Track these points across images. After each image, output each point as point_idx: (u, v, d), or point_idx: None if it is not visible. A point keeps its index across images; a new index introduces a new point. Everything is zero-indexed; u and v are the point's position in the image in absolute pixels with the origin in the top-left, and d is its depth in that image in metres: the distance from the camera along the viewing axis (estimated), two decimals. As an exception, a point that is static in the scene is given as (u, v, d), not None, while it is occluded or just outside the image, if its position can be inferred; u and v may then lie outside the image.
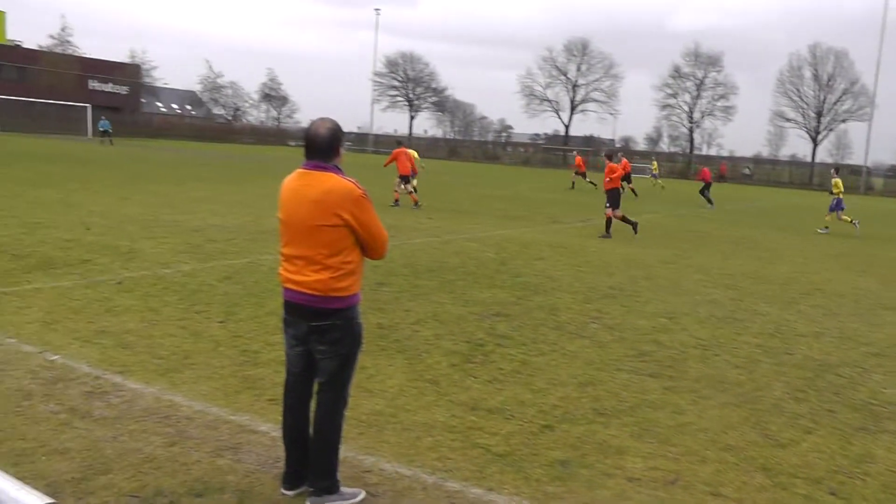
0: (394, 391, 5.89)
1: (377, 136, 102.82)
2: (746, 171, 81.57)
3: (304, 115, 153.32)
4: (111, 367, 6.06)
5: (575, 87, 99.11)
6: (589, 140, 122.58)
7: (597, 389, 6.24)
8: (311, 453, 4.13)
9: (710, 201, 30.76)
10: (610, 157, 18.38)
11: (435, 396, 5.83)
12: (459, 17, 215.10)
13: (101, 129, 58.95)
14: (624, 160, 29.02)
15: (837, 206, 23.17)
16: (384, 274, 10.65)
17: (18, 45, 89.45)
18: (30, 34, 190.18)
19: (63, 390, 5.48)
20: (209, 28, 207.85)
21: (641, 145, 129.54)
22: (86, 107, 70.70)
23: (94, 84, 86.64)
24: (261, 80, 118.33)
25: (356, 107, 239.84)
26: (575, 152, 49.62)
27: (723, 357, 7.52)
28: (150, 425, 4.95)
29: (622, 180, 20.40)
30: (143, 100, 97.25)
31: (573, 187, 37.34)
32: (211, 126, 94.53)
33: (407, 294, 9.47)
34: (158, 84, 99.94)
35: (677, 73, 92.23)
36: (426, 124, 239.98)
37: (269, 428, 4.95)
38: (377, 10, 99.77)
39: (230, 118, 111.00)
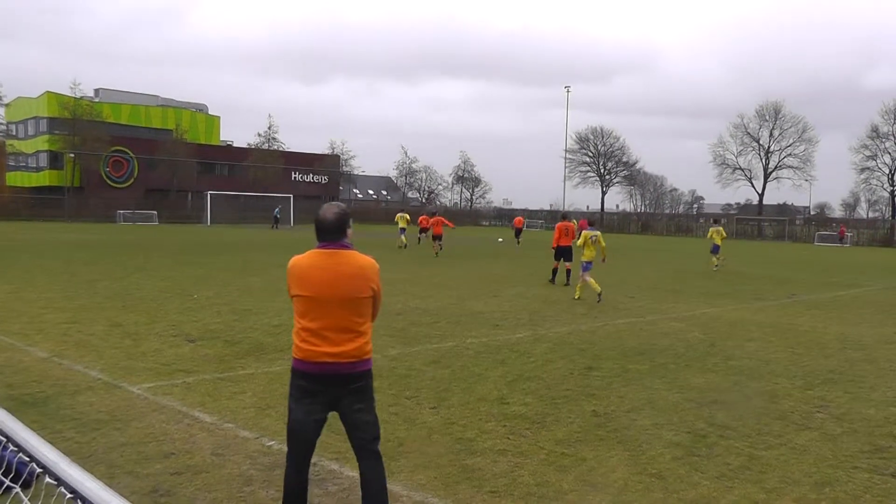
0: (618, 486, 5.61)
1: (569, 212, 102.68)
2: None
3: (497, 194, 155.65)
4: (326, 453, 6.11)
5: (768, 153, 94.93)
6: (783, 208, 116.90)
7: (835, 491, 5.66)
8: (372, 501, 4.44)
9: None
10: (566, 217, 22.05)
11: (663, 493, 5.49)
12: (650, 89, 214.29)
13: (276, 216, 64.22)
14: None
15: None
16: (592, 357, 10.41)
17: (230, 145, 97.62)
18: (241, 133, 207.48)
19: (281, 477, 5.57)
20: (404, 116, 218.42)
21: (837, 211, 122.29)
22: (288, 197, 75.41)
23: (296, 175, 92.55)
24: (454, 163, 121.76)
25: (548, 184, 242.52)
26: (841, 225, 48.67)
27: (983, 453, 6.69)
28: (375, 517, 4.93)
29: None
30: (341, 187, 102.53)
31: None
32: (405, 209, 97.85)
33: (619, 379, 9.16)
34: (356, 172, 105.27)
35: (875, 133, 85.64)
36: (617, 198, 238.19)
37: (494, 524, 4.81)
38: (567, 87, 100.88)
39: (424, 200, 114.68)
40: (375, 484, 4.48)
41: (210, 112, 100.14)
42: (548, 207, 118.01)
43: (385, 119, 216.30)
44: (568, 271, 21.29)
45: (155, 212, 70.68)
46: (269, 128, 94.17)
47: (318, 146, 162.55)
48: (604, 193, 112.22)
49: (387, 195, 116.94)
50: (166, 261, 25.47)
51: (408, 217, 37.90)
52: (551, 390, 8.46)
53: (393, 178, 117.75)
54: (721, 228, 29.87)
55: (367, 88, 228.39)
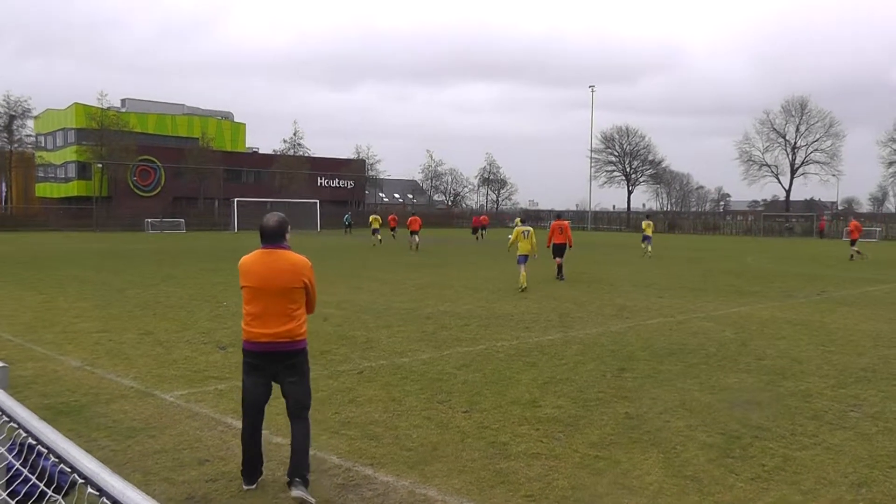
0: (654, 489, 5.57)
1: (596, 212, 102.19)
2: None
3: (523, 195, 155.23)
4: (361, 458, 6.15)
5: (794, 149, 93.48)
6: (810, 204, 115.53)
7: (872, 491, 5.57)
8: (297, 455, 5.34)
9: None
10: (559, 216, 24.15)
11: (698, 496, 5.44)
12: (675, 87, 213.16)
13: (346, 222, 65.03)
14: (854, 222, 36.66)
15: None
16: (624, 359, 10.36)
17: (255, 152, 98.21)
18: (266, 140, 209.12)
19: (317, 481, 5.59)
20: (430, 119, 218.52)
21: (865, 206, 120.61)
22: (315, 202, 75.76)
23: (322, 180, 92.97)
24: (480, 165, 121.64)
25: (574, 184, 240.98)
26: (851, 217, 49.62)
27: None
28: (411, 522, 4.94)
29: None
30: (367, 191, 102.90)
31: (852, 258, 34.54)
32: (431, 212, 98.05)
33: (651, 380, 9.10)
34: (382, 176, 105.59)
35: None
36: (643, 197, 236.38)
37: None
38: (592, 87, 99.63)
39: (450, 203, 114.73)
40: (300, 441, 5.38)
41: (236, 119, 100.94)
42: (574, 207, 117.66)
43: (411, 122, 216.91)
44: (559, 266, 22.50)
45: (182, 220, 71.26)
46: (295, 134, 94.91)
47: (343, 151, 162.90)
48: (630, 192, 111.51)
49: (412, 198, 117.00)
50: (195, 268, 25.70)
51: (380, 219, 44.58)
52: (583, 392, 8.43)
53: (419, 182, 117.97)
54: (651, 223, 37.40)
55: (396, 92, 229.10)
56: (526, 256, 19.72)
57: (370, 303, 16.32)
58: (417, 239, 38.46)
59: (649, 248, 35.08)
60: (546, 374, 9.36)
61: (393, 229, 50.17)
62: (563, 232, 22.71)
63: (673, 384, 8.91)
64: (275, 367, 5.42)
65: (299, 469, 5.32)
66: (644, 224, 36.80)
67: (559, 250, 22.56)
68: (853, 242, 35.04)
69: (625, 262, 31.10)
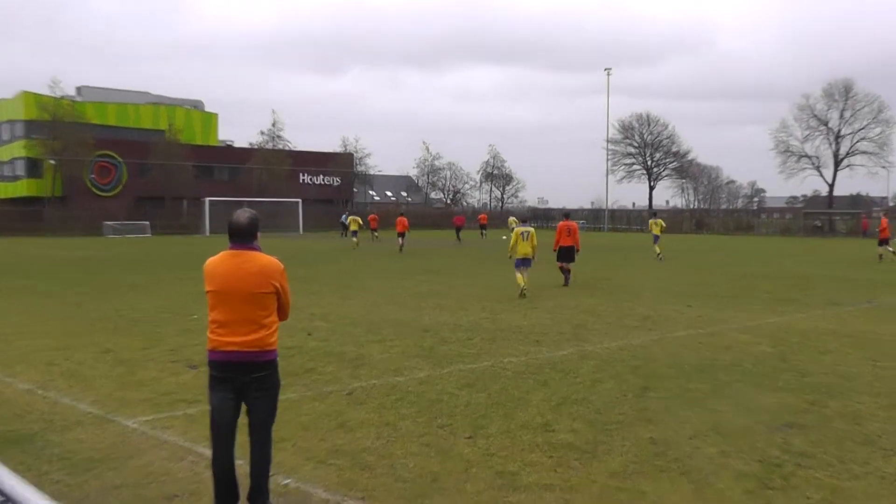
0: (683, 525, 5.55)
1: (613, 211, 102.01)
2: None
3: (531, 192, 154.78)
4: (351, 491, 6.13)
5: (838, 138, 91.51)
6: (856, 200, 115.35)
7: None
8: (254, 479, 5.52)
9: None
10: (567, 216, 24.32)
11: (734, 532, 5.43)
12: (702, 69, 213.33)
13: (343, 222, 64.32)
14: (884, 219, 37.30)
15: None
16: (647, 376, 10.35)
17: (229, 145, 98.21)
18: (242, 132, 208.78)
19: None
20: (427, 107, 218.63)
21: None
22: (297, 202, 75.81)
23: (305, 177, 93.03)
24: (482, 159, 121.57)
25: (589, 180, 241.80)
26: (882, 214, 49.82)
27: None
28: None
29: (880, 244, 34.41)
30: (355, 189, 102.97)
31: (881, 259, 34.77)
32: (428, 212, 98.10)
33: (678, 401, 9.08)
34: (372, 172, 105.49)
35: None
36: (667, 193, 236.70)
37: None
38: (608, 70, 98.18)
39: (449, 201, 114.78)
40: (259, 460, 5.56)
41: (207, 109, 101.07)
42: (589, 205, 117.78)
43: (405, 112, 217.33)
44: (567, 271, 22.65)
45: (147, 222, 71.24)
46: (274, 125, 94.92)
47: (329, 144, 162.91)
48: (652, 188, 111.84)
49: (407, 196, 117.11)
50: (162, 277, 25.73)
51: (359, 220, 46.74)
52: (602, 415, 8.41)
53: (414, 178, 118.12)
54: (660, 221, 38.61)
55: (388, 78, 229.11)
56: (528, 260, 19.96)
57: (360, 314, 16.32)
58: (402, 241, 40.70)
59: (657, 249, 36.11)
60: (560, 395, 9.34)
61: (374, 231, 53.11)
62: (571, 234, 22.85)
63: (703, 405, 8.89)
64: (243, 380, 5.47)
65: (257, 496, 5.47)
66: (651, 223, 38.48)
67: (567, 254, 22.72)
68: (883, 242, 35.01)
69: (647, 267, 31.14)
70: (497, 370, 10.77)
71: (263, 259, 5.58)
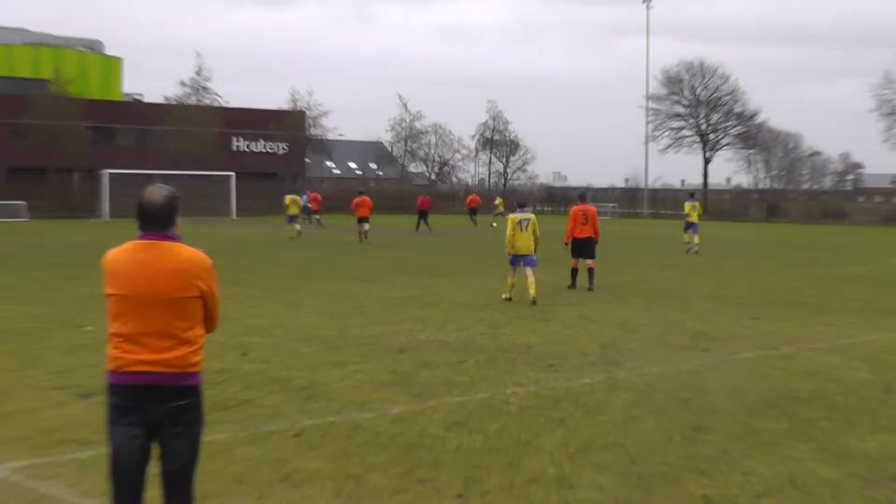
0: None
1: (655, 191, 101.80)
2: None
3: (543, 166, 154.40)
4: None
5: None
6: None
7: None
8: None
9: None
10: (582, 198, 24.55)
11: None
12: (774, 3, 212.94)
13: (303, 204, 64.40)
14: None
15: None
16: (699, 412, 10.36)
17: (138, 100, 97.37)
18: (156, 84, 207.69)
19: None
20: (406, 51, 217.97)
21: None
22: (229, 176, 75.46)
23: (240, 143, 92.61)
24: (479, 120, 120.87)
25: (622, 150, 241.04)
26: None
27: None
28: None
29: None
30: (307, 159, 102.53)
31: None
32: (407, 191, 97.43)
33: (741, 444, 9.11)
34: (331, 136, 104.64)
35: None
36: (727, 169, 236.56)
37: None
38: (647, 1, 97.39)
39: (434, 176, 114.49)
40: None
41: (107, 52, 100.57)
42: (622, 184, 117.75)
43: (377, 56, 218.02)
44: (590, 270, 22.66)
45: (24, 202, 70.84)
46: (199, 73, 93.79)
47: (273, 100, 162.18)
48: (707, 161, 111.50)
49: (378, 169, 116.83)
50: (44, 275, 25.65)
51: (300, 200, 47.70)
52: (639, 465, 8.42)
53: (386, 145, 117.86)
54: (698, 204, 39.45)
55: (354, 9, 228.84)
56: (529, 257, 20.09)
57: (314, 327, 16.32)
58: (367, 227, 41.81)
59: (696, 240, 37.14)
60: (581, 437, 9.33)
61: (316, 213, 55.50)
62: (588, 221, 22.83)
63: (777, 451, 8.91)
64: (155, 412, 5.32)
65: None
66: (687, 206, 38.73)
67: (585, 248, 22.81)
68: None
69: (698, 265, 31.25)
70: (497, 404, 10.73)
71: (185, 253, 5.48)
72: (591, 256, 22.77)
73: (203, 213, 64.28)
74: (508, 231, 20.34)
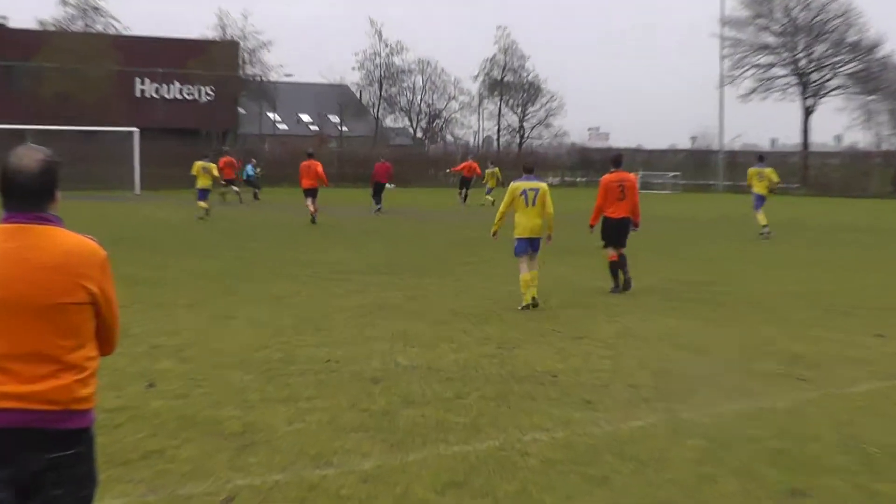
0: None
1: (733, 154, 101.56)
2: None
3: (575, 120, 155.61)
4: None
5: None
6: None
7: None
8: None
9: None
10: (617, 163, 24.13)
11: None
12: None
13: (249, 176, 67.17)
14: None
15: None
16: (800, 467, 10.25)
17: (1, 25, 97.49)
18: (26, 3, 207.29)
19: None
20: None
21: None
22: (131, 132, 75.48)
23: (144, 86, 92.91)
24: (484, 55, 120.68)
25: (685, 99, 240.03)
26: None
27: None
28: None
29: None
30: (242, 110, 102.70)
31: None
32: (384, 154, 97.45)
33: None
34: (275, 78, 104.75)
35: None
36: (836, 123, 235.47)
37: None
38: None
39: (421, 134, 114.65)
40: None
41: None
42: (688, 144, 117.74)
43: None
44: (622, 258, 22.60)
45: None
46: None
47: (193, 26, 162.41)
48: (808, 111, 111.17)
49: (341, 124, 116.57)
50: None
51: (213, 169, 50.09)
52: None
53: (354, 89, 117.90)
54: (768, 171, 41.23)
55: None
56: (536, 241, 20.10)
57: (251, 348, 16.20)
58: (310, 204, 43.79)
59: (760, 220, 39.16)
60: (631, 502, 9.18)
61: (231, 182, 59.33)
62: (625, 195, 22.57)
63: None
64: (28, 464, 5.08)
65: None
66: (752, 173, 41.51)
67: (621, 232, 22.66)
68: None
69: (794, 259, 31.41)
70: (511, 457, 10.59)
71: (68, 241, 5.27)
72: (622, 245, 22.60)
73: (94, 185, 64.69)
74: (505, 202, 20.31)
